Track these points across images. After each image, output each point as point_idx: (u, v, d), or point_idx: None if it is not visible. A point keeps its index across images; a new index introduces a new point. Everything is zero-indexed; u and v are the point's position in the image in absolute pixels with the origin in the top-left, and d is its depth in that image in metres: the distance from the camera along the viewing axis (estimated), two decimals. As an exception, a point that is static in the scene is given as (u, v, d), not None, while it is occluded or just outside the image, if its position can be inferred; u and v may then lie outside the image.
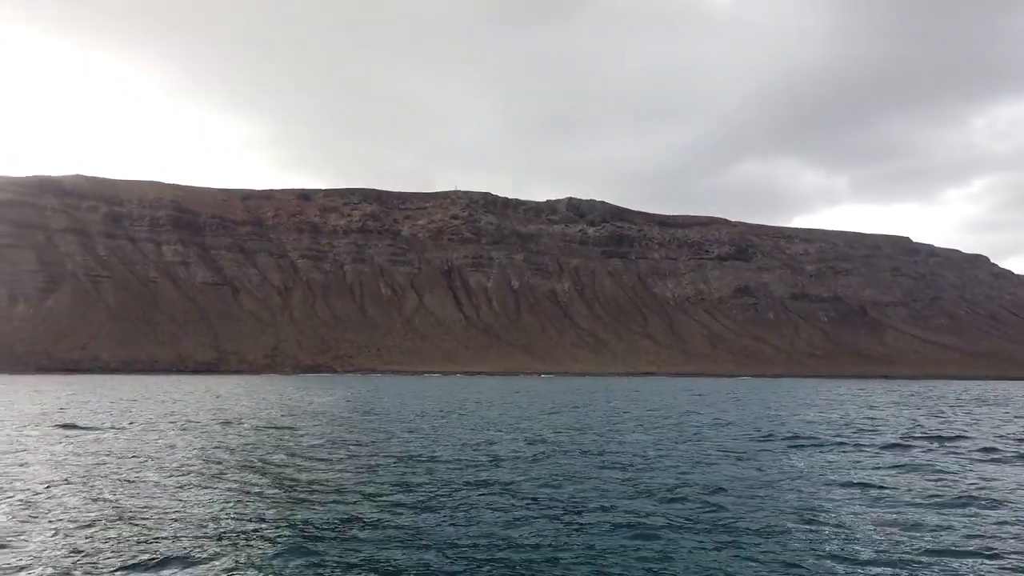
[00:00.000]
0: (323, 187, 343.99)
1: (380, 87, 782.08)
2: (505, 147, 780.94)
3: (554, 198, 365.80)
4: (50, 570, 11.19)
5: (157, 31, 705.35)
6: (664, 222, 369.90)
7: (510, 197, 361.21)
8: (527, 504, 16.15)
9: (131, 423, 35.96)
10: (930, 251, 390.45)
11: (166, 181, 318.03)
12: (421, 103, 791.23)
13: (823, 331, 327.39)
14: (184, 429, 33.07)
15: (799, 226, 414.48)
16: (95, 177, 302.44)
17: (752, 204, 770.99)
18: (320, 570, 11.38)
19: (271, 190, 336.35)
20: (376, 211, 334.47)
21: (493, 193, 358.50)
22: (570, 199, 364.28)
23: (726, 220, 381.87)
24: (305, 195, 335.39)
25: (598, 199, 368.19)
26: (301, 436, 30.41)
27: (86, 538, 12.91)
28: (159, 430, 32.50)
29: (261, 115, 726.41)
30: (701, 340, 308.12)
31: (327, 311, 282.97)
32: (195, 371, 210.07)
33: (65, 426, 33.51)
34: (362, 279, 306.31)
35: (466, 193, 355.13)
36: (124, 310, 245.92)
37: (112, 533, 13.28)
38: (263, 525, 13.99)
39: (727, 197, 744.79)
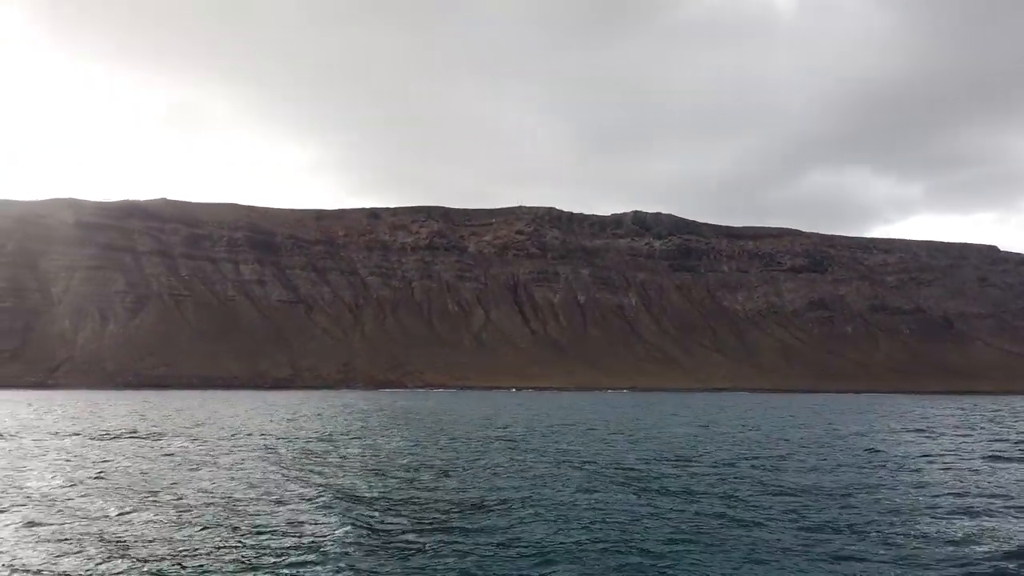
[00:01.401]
0: (391, 205, 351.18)
1: (446, 108, 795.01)
2: (569, 163, 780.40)
3: (619, 212, 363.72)
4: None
5: (231, 63, 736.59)
6: (733, 234, 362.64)
7: (575, 212, 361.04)
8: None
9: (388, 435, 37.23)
10: (1020, 260, 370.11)
11: (243, 203, 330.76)
12: (486, 122, 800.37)
13: (905, 345, 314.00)
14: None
15: (876, 236, 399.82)
16: (177, 201, 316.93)
17: (824, 214, 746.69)
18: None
19: (342, 209, 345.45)
20: (442, 228, 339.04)
21: (558, 208, 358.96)
22: (635, 212, 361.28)
23: (799, 231, 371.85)
24: (375, 214, 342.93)
25: (664, 212, 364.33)
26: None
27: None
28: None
29: (331, 139, 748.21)
30: (774, 355, 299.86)
31: (397, 327, 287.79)
32: (272, 387, 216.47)
33: (323, 439, 34.92)
34: (430, 295, 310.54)
35: (531, 209, 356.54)
36: (205, 328, 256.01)
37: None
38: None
39: (797, 208, 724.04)
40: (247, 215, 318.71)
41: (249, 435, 42.52)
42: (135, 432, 44.78)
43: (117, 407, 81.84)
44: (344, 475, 25.77)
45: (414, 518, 18.11)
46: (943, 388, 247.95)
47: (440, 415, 68.99)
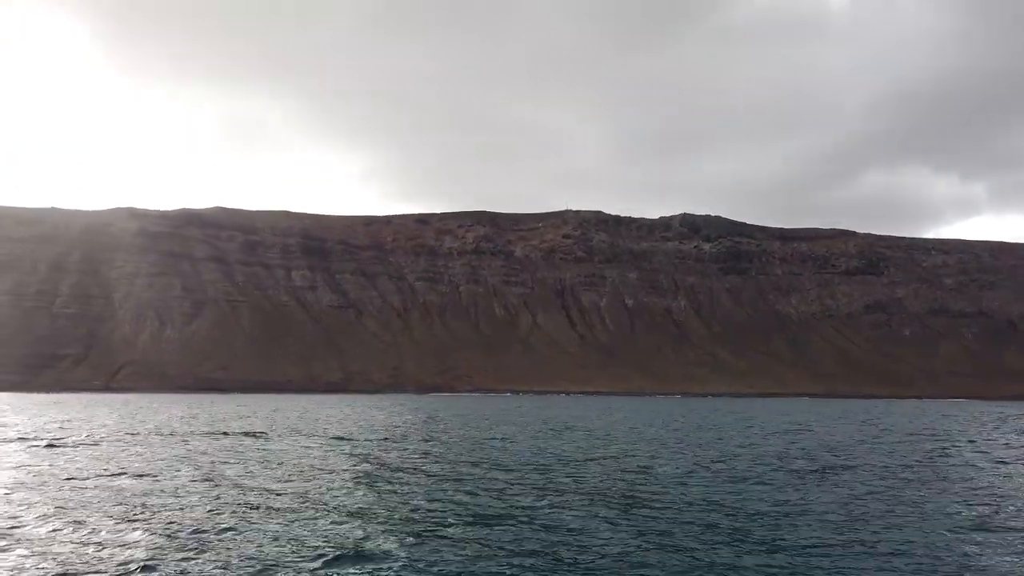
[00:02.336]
0: (439, 211, 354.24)
1: (493, 113, 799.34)
2: (617, 167, 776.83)
3: (667, 215, 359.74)
4: None
5: (282, 76, 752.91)
6: (785, 236, 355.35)
7: (622, 215, 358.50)
8: None
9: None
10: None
11: (295, 211, 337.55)
12: (533, 126, 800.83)
13: (967, 349, 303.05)
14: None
15: (934, 237, 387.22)
16: (233, 209, 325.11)
17: (880, 215, 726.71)
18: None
19: (390, 215, 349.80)
20: (489, 233, 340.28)
21: (605, 211, 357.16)
22: (684, 215, 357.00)
23: (852, 232, 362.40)
24: (422, 219, 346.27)
25: (713, 214, 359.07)
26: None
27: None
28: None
29: (380, 147, 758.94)
30: (829, 359, 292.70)
31: (444, 332, 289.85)
32: (324, 391, 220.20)
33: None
34: (477, 300, 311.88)
35: (577, 212, 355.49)
36: (259, 333, 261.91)
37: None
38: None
39: (852, 209, 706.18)
40: (299, 222, 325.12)
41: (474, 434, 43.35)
42: (295, 431, 47.00)
43: (209, 409, 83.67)
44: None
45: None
46: (1008, 393, 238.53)
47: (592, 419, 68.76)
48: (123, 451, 34.56)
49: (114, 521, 17.95)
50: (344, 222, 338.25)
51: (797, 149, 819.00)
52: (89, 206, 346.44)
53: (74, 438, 41.25)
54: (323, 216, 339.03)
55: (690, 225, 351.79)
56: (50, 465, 28.65)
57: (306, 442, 40.25)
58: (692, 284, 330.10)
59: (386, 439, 43.39)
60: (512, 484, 24.99)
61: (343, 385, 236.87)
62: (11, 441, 39.06)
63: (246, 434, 45.62)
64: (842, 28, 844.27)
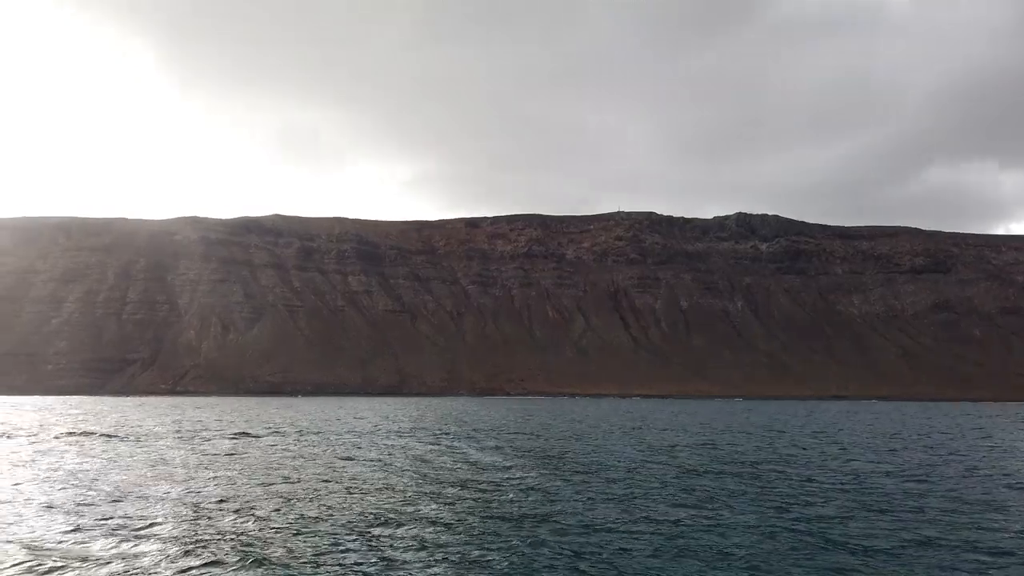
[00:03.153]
0: (490, 214, 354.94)
1: (543, 117, 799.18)
2: (670, 167, 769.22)
3: (722, 215, 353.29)
4: None
5: (333, 85, 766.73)
6: (846, 234, 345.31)
7: (675, 215, 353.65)
8: None
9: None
10: None
11: (349, 217, 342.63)
12: (583, 129, 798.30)
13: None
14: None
15: (1004, 233, 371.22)
16: (290, 216, 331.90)
17: (944, 212, 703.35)
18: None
19: (442, 220, 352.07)
20: (541, 236, 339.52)
21: (658, 212, 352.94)
22: (740, 215, 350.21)
23: (917, 230, 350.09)
24: (473, 223, 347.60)
25: (770, 213, 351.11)
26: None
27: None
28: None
29: (432, 154, 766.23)
30: (894, 360, 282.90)
31: (497, 335, 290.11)
32: (381, 393, 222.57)
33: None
34: (529, 303, 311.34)
35: (630, 214, 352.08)
36: (317, 337, 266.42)
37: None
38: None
39: (915, 206, 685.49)
40: (353, 228, 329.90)
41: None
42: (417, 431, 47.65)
43: (290, 411, 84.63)
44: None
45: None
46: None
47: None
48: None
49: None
50: (397, 227, 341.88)
51: (855, 146, 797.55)
52: (154, 215, 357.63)
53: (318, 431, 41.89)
54: (376, 222, 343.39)
55: (746, 225, 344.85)
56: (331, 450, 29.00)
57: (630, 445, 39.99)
58: (749, 284, 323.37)
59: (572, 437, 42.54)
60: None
61: (398, 388, 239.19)
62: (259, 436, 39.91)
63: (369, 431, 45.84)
64: (900, 20, 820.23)
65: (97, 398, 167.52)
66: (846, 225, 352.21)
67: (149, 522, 17.54)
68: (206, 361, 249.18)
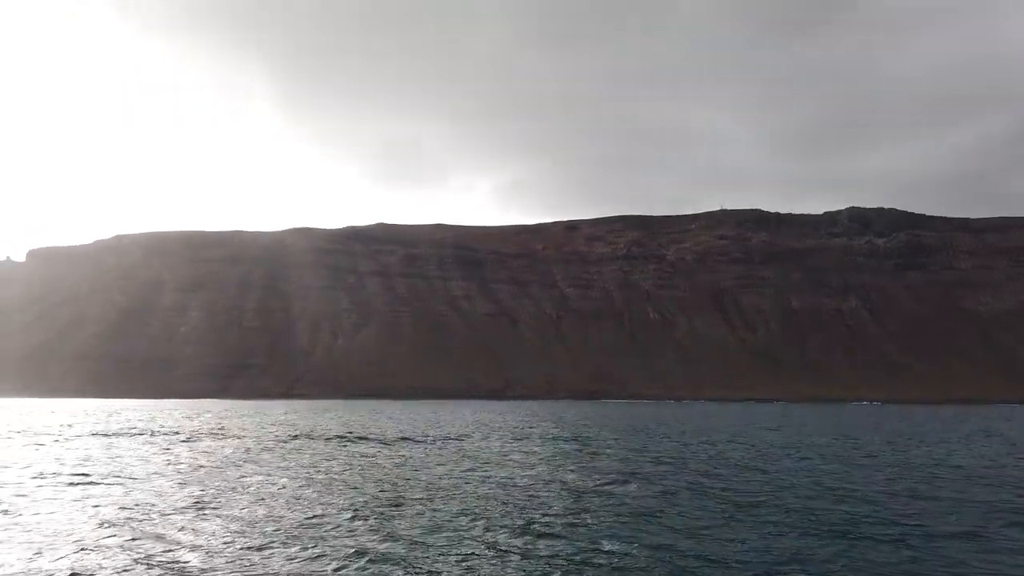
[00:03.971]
0: (588, 217, 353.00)
1: (639, 116, 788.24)
2: (774, 163, 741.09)
3: (832, 210, 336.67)
4: None
5: (433, 92, 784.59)
6: (972, 227, 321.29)
7: (782, 212, 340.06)
8: None
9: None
10: None
11: (450, 223, 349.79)
12: (682, 127, 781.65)
13: None
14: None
15: None
16: (391, 224, 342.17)
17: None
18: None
19: (540, 224, 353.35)
20: (640, 237, 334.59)
21: (763, 209, 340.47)
22: (852, 209, 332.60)
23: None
24: (572, 226, 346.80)
25: (886, 207, 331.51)
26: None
27: None
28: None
29: (527, 157, 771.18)
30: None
31: (598, 338, 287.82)
32: (484, 397, 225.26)
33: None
34: (630, 305, 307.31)
35: (733, 212, 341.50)
36: (421, 342, 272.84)
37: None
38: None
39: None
40: (454, 234, 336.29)
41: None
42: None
43: (431, 416, 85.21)
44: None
45: None
46: None
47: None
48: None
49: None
50: (495, 232, 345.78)
51: (976, 134, 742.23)
52: (268, 227, 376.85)
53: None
54: (475, 228, 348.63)
55: (859, 219, 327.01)
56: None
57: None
58: (864, 282, 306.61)
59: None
60: None
61: (501, 392, 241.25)
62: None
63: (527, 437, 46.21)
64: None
65: (225, 401, 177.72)
66: (971, 217, 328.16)
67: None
68: (317, 366, 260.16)
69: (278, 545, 15.58)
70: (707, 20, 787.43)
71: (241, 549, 15.17)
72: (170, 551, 15.03)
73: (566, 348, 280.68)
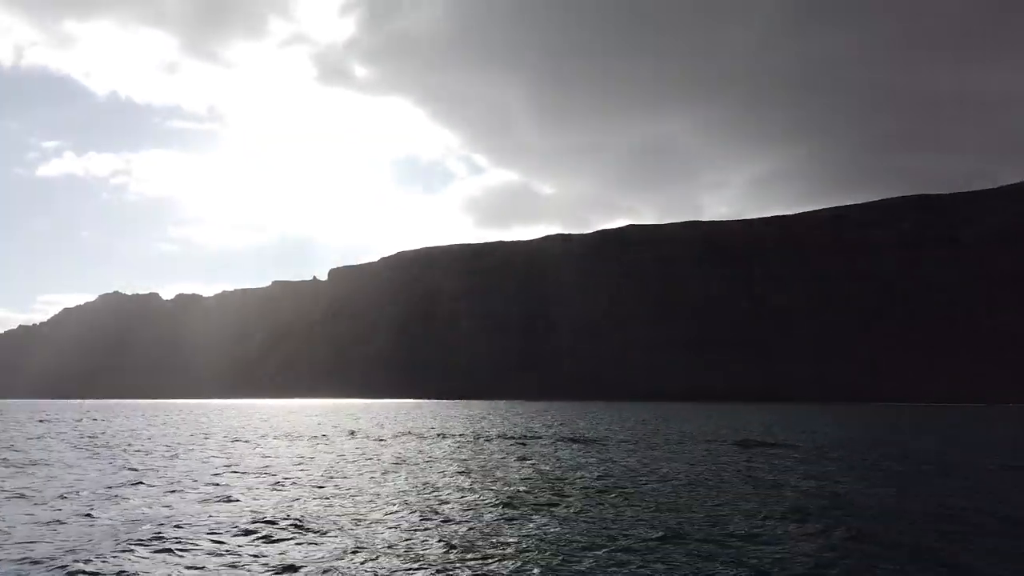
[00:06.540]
0: (858, 202, 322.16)
1: (915, 88, 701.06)
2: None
3: None
4: None
5: (691, 86, 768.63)
6: None
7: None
8: None
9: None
10: None
11: (703, 219, 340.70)
12: (967, 95, 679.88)
13: None
14: None
15: None
16: (641, 225, 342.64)
17: None
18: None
19: (802, 212, 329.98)
20: (924, 218, 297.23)
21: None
22: None
23: None
24: (838, 214, 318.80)
25: None
26: None
27: None
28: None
29: (790, 144, 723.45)
30: None
31: (876, 333, 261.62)
32: (754, 399, 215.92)
33: None
34: (912, 296, 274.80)
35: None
36: (685, 342, 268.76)
37: None
38: None
39: None
40: (704, 230, 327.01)
41: None
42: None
43: (738, 418, 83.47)
44: None
45: None
46: None
47: None
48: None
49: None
50: (747, 226, 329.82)
51: None
52: (528, 236, 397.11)
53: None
54: (725, 222, 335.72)
55: None
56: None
57: None
58: None
59: None
60: None
61: (770, 392, 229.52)
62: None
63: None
64: None
65: (493, 402, 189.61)
66: None
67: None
68: (579, 368, 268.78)
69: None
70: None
71: None
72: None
73: (839, 345, 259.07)
